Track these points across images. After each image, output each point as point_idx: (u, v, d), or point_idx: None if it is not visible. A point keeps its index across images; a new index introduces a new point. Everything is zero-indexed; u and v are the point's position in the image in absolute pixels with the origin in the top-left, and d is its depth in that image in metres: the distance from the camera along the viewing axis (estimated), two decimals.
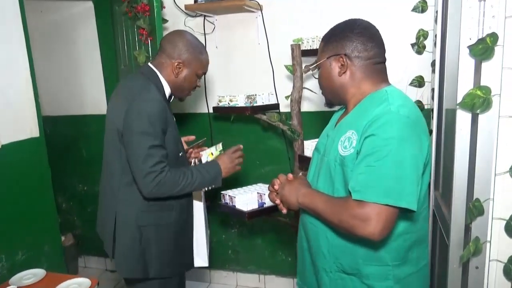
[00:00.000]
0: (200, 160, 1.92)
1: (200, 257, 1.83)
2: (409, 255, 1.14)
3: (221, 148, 1.96)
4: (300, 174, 1.41)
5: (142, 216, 1.58)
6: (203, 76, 2.57)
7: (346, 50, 1.16)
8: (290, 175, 1.32)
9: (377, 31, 1.20)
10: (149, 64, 1.66)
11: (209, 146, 2.01)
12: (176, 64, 1.61)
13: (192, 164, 1.91)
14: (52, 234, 2.30)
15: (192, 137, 2.00)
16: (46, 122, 3.19)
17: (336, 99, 1.27)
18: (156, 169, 1.48)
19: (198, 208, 1.84)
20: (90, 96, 3.00)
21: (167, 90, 1.65)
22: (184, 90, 1.69)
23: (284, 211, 1.31)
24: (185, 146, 1.91)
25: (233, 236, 2.85)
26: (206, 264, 1.83)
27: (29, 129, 2.13)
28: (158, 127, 1.49)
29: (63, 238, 3.31)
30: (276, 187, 1.31)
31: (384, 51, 1.20)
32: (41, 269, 1.96)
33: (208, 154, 1.95)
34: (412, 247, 1.15)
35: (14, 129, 2.04)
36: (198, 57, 1.65)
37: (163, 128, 1.51)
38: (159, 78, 1.62)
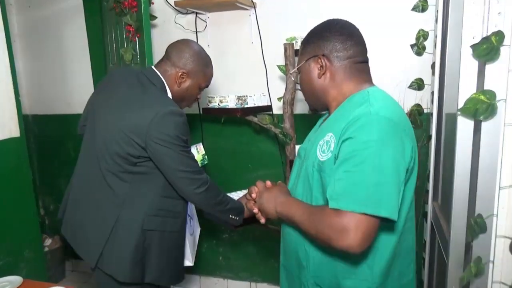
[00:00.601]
0: None
1: (186, 257, 1.80)
2: (391, 270, 1.07)
3: (203, 151, 1.88)
4: (279, 181, 1.32)
5: (149, 221, 1.53)
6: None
7: (324, 50, 1.11)
8: (268, 182, 1.27)
9: (357, 29, 1.15)
10: (154, 69, 1.59)
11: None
12: (180, 73, 1.56)
13: None
14: (33, 239, 2.21)
15: None
16: (34, 120, 3.13)
17: (318, 103, 1.20)
18: (200, 169, 1.50)
19: None
20: (78, 94, 2.90)
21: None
22: (184, 100, 1.65)
23: (263, 220, 1.25)
24: None
25: (224, 242, 2.75)
26: (191, 263, 1.83)
27: (8, 129, 2.03)
28: (185, 138, 1.47)
29: (50, 240, 3.22)
30: (253, 195, 1.26)
31: (364, 49, 1.15)
32: (18, 276, 1.86)
33: None
34: (394, 261, 1.07)
35: None
36: (203, 69, 1.62)
37: (187, 138, 1.50)
38: (165, 86, 1.57)
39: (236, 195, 1.98)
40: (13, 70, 2.05)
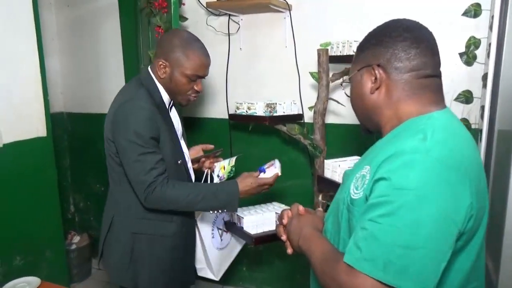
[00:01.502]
0: (213, 171, 1.78)
1: (210, 270, 1.78)
2: None
3: (233, 163, 1.77)
4: (319, 209, 1.15)
5: (137, 224, 1.50)
6: (226, 79, 2.45)
7: (380, 59, 0.89)
8: (301, 208, 1.08)
9: (428, 34, 0.93)
10: (148, 68, 1.54)
11: (226, 157, 1.85)
12: (160, 63, 1.46)
13: (205, 174, 1.77)
14: (55, 239, 2.20)
15: (211, 146, 1.84)
16: (69, 118, 3.17)
17: (370, 123, 0.99)
18: (148, 178, 1.38)
19: (208, 219, 1.75)
20: (111, 94, 2.86)
21: (165, 95, 1.51)
22: (175, 93, 1.51)
23: (290, 251, 1.05)
24: (200, 153, 1.81)
25: (248, 251, 2.64)
26: (216, 278, 1.79)
27: (35, 128, 2.03)
28: (146, 135, 1.38)
29: (78, 238, 3.24)
30: (284, 221, 1.07)
31: (436, 61, 0.91)
32: (36, 277, 1.84)
33: (220, 167, 1.78)
34: None
35: (18, 128, 1.95)
36: (186, 55, 1.45)
37: (152, 136, 1.40)
38: (154, 82, 1.49)
39: (272, 208, 1.89)
40: (43, 70, 2.04)
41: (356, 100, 0.98)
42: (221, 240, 1.82)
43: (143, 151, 1.38)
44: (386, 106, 0.91)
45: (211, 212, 1.54)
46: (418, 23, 0.94)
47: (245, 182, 1.52)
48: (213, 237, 1.77)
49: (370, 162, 0.84)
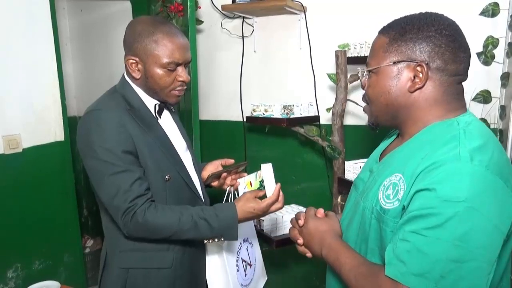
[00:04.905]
0: (237, 190, 1.48)
1: None
2: None
3: (261, 177, 1.49)
4: (331, 212, 1.09)
5: (127, 257, 1.26)
6: (240, 82, 2.45)
7: (427, 57, 0.81)
8: (321, 211, 1.04)
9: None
10: (124, 73, 1.32)
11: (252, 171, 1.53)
12: (129, 61, 1.22)
13: (226, 193, 1.49)
14: (73, 243, 2.21)
15: (231, 161, 1.55)
16: None
17: (391, 120, 0.90)
18: (123, 204, 1.14)
19: (233, 248, 1.45)
20: None
21: (148, 98, 1.28)
22: (157, 91, 1.25)
23: (309, 255, 1.02)
24: (220, 169, 1.52)
25: (263, 254, 2.63)
26: None
27: (53, 132, 2.05)
28: (116, 150, 1.15)
29: (92, 241, 3.26)
30: (301, 222, 1.02)
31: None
32: (56, 281, 1.86)
33: (246, 183, 1.48)
34: None
35: (36, 132, 1.97)
36: (154, 41, 1.20)
37: (125, 149, 1.16)
38: (130, 87, 1.27)
39: (291, 210, 1.79)
40: (60, 75, 2.06)
41: (382, 95, 0.87)
42: (245, 274, 1.53)
43: (114, 171, 1.13)
44: (419, 107, 0.84)
45: (205, 241, 1.27)
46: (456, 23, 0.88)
47: (246, 207, 1.23)
48: (238, 271, 1.47)
49: (401, 170, 0.81)
